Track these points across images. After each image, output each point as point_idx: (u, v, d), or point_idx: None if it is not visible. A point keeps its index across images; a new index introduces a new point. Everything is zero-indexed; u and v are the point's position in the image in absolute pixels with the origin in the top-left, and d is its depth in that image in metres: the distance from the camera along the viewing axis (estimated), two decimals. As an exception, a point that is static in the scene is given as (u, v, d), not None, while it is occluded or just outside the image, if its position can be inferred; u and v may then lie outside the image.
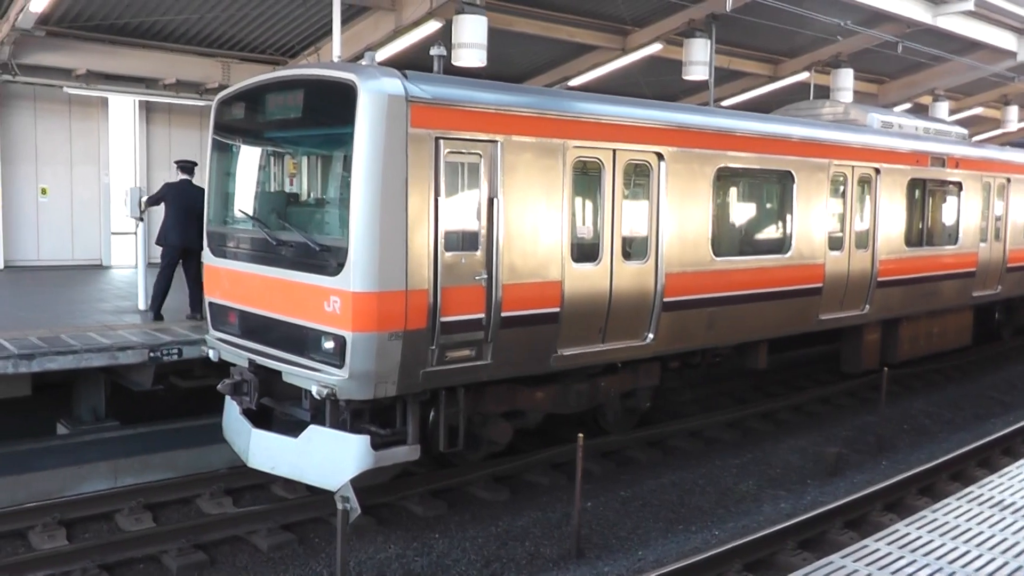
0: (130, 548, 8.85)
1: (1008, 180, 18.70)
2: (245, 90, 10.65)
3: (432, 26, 17.80)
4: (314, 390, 8.90)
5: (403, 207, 8.68)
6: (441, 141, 8.96)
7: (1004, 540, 7.06)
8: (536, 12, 19.98)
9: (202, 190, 13.33)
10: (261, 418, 10.18)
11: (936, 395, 16.82)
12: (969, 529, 7.29)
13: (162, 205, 13.71)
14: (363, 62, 9.61)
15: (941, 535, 7.13)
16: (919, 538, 7.06)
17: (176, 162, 14.43)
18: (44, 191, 21.37)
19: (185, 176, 13.74)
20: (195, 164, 13.98)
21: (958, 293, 17.38)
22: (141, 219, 13.93)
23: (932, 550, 6.83)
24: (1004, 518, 7.55)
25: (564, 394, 11.04)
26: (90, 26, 18.75)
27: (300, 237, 9.38)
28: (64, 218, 21.72)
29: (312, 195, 10.63)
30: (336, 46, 15.03)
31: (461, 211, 9.33)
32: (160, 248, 13.80)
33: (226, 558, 9.01)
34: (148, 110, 22.66)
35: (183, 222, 13.38)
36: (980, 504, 7.90)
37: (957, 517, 7.56)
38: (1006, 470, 9.02)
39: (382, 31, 18.33)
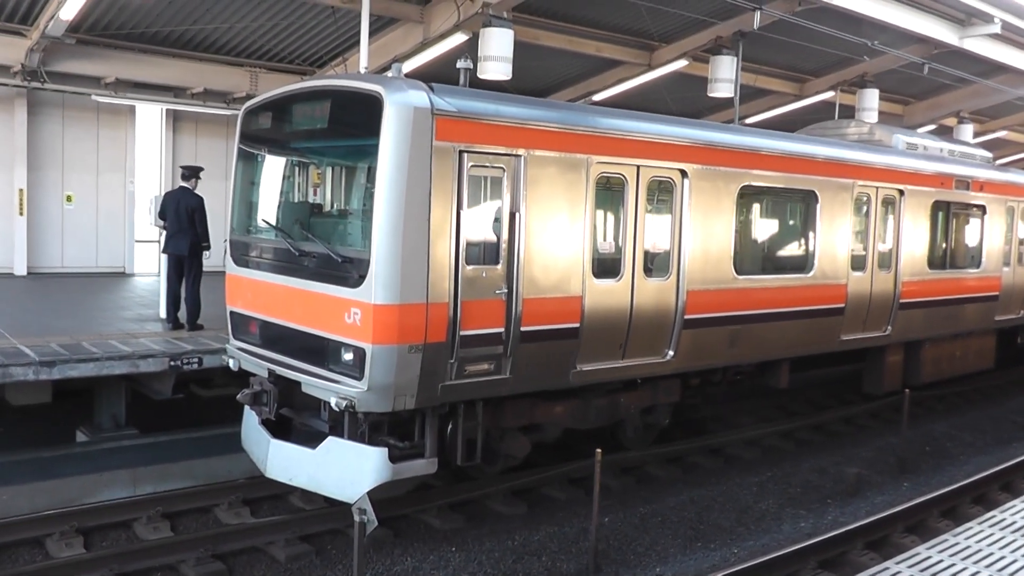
0: (148, 557, 8.85)
1: (1032, 204, 18.60)
2: (271, 100, 10.69)
3: (459, 38, 17.88)
4: (333, 402, 8.89)
5: (426, 220, 8.69)
6: (465, 154, 8.97)
7: (1027, 566, 7.00)
8: (562, 26, 20.05)
9: (198, 197, 13.44)
10: (280, 428, 10.18)
11: (958, 418, 16.71)
12: (991, 554, 7.22)
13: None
14: (389, 74, 9.64)
15: (963, 559, 7.07)
16: (940, 562, 7.00)
17: (180, 167, 14.53)
18: (69, 198, 21.55)
19: (183, 184, 13.77)
20: (196, 169, 13.95)
21: (981, 316, 17.26)
22: (163, 228, 13.98)
23: (954, 575, 6.77)
24: (1027, 544, 7.49)
25: (583, 409, 11.00)
26: (120, 35, 18.93)
27: (322, 248, 9.39)
28: (89, 225, 21.91)
29: (335, 206, 10.66)
30: (363, 57, 15.12)
31: (483, 225, 9.33)
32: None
33: (243, 568, 9.01)
34: (175, 119, 22.85)
35: (176, 230, 13.47)
36: (1002, 529, 7.83)
37: (979, 541, 7.49)
38: (1029, 495, 8.95)
39: (410, 43, 18.43)
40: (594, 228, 10.21)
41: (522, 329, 9.49)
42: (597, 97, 23.74)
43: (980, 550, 7.30)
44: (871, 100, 23.62)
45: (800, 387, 16.28)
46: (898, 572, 6.77)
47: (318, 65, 21.47)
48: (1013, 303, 18.16)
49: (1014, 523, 7.99)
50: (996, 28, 20.45)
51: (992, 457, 14.17)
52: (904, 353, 15.77)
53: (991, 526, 7.91)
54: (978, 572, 6.83)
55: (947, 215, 16.09)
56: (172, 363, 11.88)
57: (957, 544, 7.42)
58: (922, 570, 6.81)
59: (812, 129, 16.99)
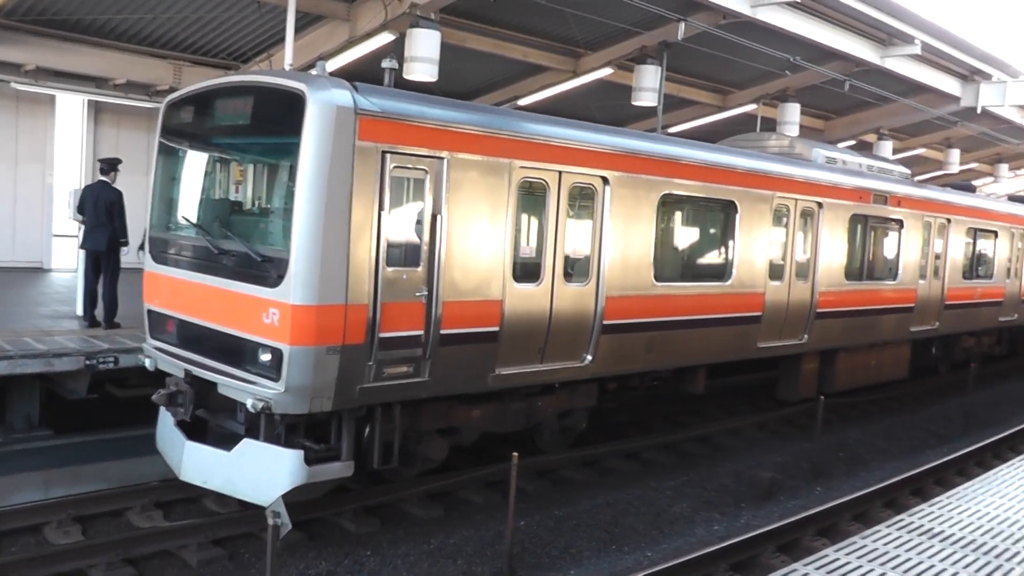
0: (58, 562, 8.64)
1: (948, 220, 19.07)
2: (194, 94, 10.54)
3: (385, 38, 17.77)
4: (249, 403, 8.78)
5: (347, 221, 8.65)
6: (388, 155, 8.93)
7: (931, 567, 7.17)
8: (490, 30, 20.04)
9: (117, 191, 13.22)
10: (195, 430, 10.03)
11: (872, 425, 17.05)
12: (898, 556, 7.38)
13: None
14: (314, 72, 9.58)
15: (870, 561, 7.22)
16: (847, 563, 7.14)
17: (98, 161, 14.27)
18: (-15, 189, 21.02)
19: (102, 178, 13.53)
20: (114, 162, 13.68)
21: (896, 327, 17.65)
22: (82, 222, 13.71)
23: (860, 576, 6.93)
24: (932, 546, 7.67)
25: (501, 412, 11.03)
26: (42, 20, 18.46)
27: (241, 247, 9.29)
28: (5, 218, 21.37)
29: (256, 204, 10.52)
30: (288, 54, 14.97)
31: (404, 227, 9.30)
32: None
33: (155, 573, 8.87)
34: (97, 110, 22.39)
35: (94, 225, 13.24)
36: (910, 532, 8.00)
37: (887, 544, 7.66)
38: (937, 499, 9.17)
39: (335, 41, 18.28)
40: (515, 232, 10.26)
41: (441, 332, 9.49)
42: (523, 102, 23.76)
43: (887, 552, 7.46)
44: (792, 114, 24.02)
45: (716, 393, 16.50)
46: (806, 574, 6.89)
47: (243, 60, 21.19)
48: (928, 315, 18.60)
49: (921, 526, 8.18)
50: (916, 49, 21.00)
51: (904, 463, 14.51)
52: (820, 361, 16.07)
53: (899, 529, 8.09)
54: (884, 573, 6.98)
55: (865, 228, 16.43)
56: (87, 362, 11.65)
57: (865, 546, 7.57)
58: (829, 572, 6.94)
59: (734, 141, 17.21)
